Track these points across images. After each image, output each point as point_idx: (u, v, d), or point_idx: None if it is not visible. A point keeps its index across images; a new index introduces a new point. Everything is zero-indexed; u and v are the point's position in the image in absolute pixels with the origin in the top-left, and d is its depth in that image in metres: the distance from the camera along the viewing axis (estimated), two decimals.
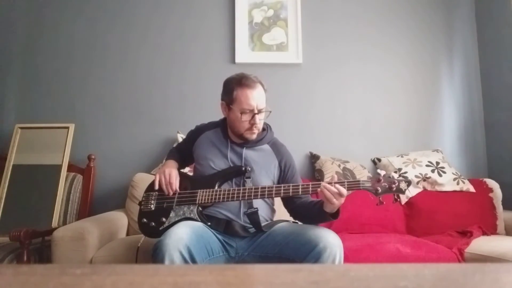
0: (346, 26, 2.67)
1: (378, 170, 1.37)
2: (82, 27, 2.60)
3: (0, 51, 2.53)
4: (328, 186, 1.29)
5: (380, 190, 1.32)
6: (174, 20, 2.62)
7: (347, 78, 2.64)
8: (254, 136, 1.52)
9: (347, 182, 1.33)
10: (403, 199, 2.24)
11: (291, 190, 1.39)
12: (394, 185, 1.32)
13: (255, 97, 1.45)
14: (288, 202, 1.54)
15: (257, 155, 1.55)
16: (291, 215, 1.57)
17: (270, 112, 1.52)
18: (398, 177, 1.35)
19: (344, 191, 1.28)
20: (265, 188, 1.41)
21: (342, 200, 1.29)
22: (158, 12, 2.62)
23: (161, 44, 2.60)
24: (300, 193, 1.40)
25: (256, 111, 1.45)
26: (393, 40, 2.68)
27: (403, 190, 1.33)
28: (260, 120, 1.48)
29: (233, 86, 1.47)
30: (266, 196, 1.41)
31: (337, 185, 1.29)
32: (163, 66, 2.59)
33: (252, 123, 1.46)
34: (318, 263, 1.22)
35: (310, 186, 1.37)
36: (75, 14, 2.60)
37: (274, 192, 1.40)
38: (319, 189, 1.32)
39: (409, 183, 1.34)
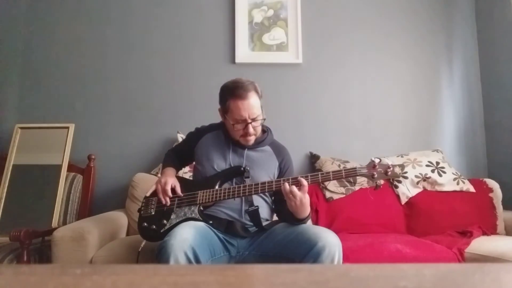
0: (346, 26, 2.67)
1: (372, 158, 1.40)
2: (82, 27, 2.60)
3: (1, 51, 2.53)
4: (286, 183, 1.35)
5: (376, 175, 1.36)
6: (174, 20, 2.62)
7: (347, 78, 2.64)
8: (250, 143, 1.54)
9: (344, 170, 1.37)
10: (403, 199, 2.24)
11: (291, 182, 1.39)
12: (389, 170, 1.36)
13: (247, 108, 1.46)
14: (277, 203, 1.55)
15: (258, 156, 1.57)
16: (277, 216, 1.60)
17: (264, 119, 1.54)
18: (392, 163, 1.39)
19: (294, 190, 1.31)
20: (264, 183, 1.42)
21: (297, 200, 1.32)
22: (158, 13, 2.62)
23: (161, 44, 2.60)
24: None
25: (249, 121, 1.47)
26: (393, 40, 2.68)
27: (398, 174, 1.38)
28: (254, 128, 1.49)
29: (227, 97, 1.49)
30: (266, 190, 1.42)
31: (285, 184, 1.34)
32: (163, 66, 2.59)
33: (246, 132, 1.48)
34: (317, 263, 1.22)
35: (309, 177, 1.38)
36: (75, 15, 2.60)
37: (274, 186, 1.40)
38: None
39: (402, 167, 1.38)
